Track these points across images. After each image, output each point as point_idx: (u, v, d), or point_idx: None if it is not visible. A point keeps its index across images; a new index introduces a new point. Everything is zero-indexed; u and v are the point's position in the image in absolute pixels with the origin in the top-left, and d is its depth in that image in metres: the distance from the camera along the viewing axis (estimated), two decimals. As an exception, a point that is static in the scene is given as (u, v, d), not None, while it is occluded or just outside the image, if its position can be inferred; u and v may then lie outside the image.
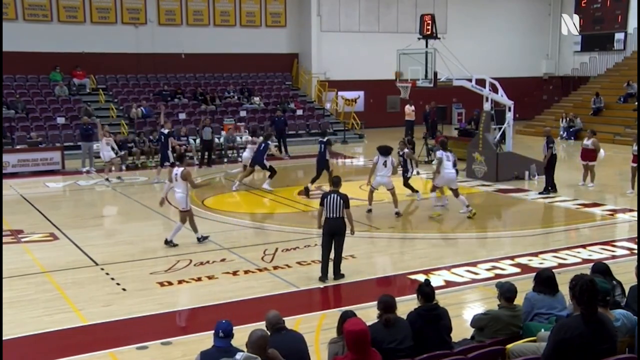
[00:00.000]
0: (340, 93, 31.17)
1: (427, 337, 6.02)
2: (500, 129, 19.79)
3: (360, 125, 29.95)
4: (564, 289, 5.75)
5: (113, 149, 19.94)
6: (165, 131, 18.57)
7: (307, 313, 8.94)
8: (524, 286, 7.22)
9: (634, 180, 16.36)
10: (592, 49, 35.65)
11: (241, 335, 5.64)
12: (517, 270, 10.56)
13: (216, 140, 23.13)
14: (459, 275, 10.37)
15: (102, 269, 10.82)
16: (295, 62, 32.41)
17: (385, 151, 14.59)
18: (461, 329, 7.10)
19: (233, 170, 20.35)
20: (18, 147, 21.60)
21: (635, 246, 11.55)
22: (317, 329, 8.22)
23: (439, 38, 18.91)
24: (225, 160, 23.38)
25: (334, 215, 9.89)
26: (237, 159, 23.04)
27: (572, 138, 28.45)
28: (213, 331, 5.48)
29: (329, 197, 9.97)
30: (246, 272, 10.58)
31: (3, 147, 20.38)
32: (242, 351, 5.20)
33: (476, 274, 10.45)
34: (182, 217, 12.15)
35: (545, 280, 6.58)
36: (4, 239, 12.20)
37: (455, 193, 14.54)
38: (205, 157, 21.91)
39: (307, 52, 31.83)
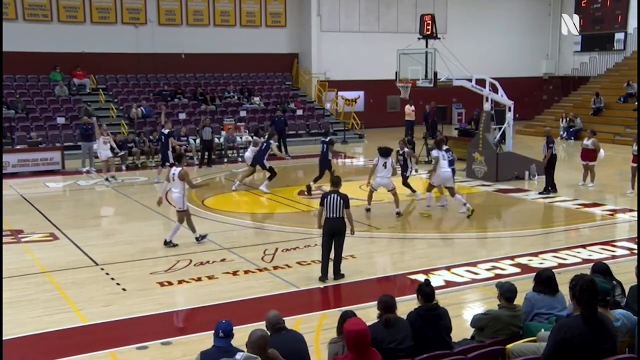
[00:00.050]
0: (340, 93, 31.16)
1: (427, 337, 6.02)
2: (500, 129, 19.76)
3: (360, 125, 29.93)
4: (564, 289, 5.75)
5: (112, 148, 19.95)
6: (166, 131, 18.56)
7: (307, 313, 8.94)
8: (524, 286, 7.22)
9: (634, 180, 16.36)
10: (592, 49, 35.64)
11: (241, 335, 5.64)
12: (517, 270, 10.56)
13: (216, 140, 23.12)
14: (459, 275, 10.37)
15: (102, 269, 10.82)
16: (295, 62, 32.40)
17: (385, 152, 14.58)
18: (461, 329, 7.10)
19: (239, 170, 20.22)
20: (18, 147, 21.59)
21: (635, 246, 11.55)
22: (317, 329, 8.21)
23: (439, 38, 18.89)
24: (225, 160, 23.36)
25: (334, 215, 9.88)
26: (237, 159, 23.06)
27: (572, 138, 28.44)
28: (213, 331, 5.48)
29: (329, 197, 9.96)
30: (246, 272, 10.58)
31: (3, 147, 20.37)
32: (242, 351, 5.20)
33: (476, 274, 10.45)
34: (180, 217, 12.16)
35: (545, 280, 6.59)
36: (4, 239, 12.20)
37: (452, 192, 14.59)
38: (205, 157, 21.89)
39: (307, 52, 31.82)
